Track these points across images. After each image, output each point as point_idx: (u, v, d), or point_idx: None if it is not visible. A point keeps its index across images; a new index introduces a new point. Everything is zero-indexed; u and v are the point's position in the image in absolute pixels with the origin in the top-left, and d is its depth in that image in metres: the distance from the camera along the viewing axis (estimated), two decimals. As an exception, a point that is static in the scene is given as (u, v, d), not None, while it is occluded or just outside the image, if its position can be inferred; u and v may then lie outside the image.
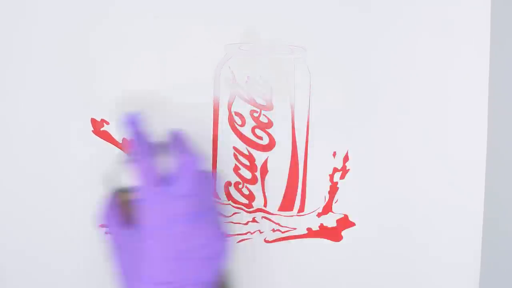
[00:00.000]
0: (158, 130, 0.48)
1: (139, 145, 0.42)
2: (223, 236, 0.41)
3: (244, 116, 0.51)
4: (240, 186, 0.52)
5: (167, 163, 0.42)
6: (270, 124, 0.51)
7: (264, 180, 0.52)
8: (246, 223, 0.52)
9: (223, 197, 0.52)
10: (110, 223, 0.43)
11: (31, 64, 0.49)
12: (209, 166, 0.50)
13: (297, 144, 0.52)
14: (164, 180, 0.40)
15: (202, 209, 0.40)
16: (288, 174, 0.52)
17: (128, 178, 0.42)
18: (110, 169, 0.44)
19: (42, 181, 0.50)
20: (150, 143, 0.43)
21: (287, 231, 0.53)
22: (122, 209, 0.43)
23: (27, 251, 0.50)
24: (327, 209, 0.53)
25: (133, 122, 0.44)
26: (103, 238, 0.47)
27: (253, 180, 0.52)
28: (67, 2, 0.48)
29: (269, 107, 0.51)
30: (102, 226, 0.47)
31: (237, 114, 0.51)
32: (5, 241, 0.50)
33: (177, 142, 0.44)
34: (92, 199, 0.49)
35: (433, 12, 0.52)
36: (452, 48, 0.52)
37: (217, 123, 0.51)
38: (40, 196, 0.50)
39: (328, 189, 0.52)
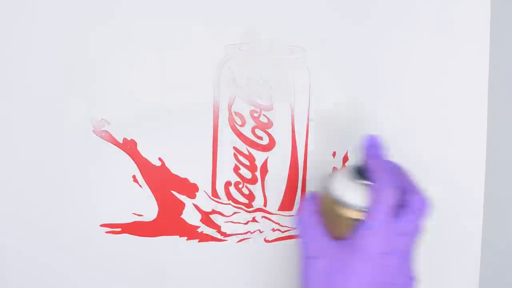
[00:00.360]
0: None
1: (384, 171, 0.40)
2: (413, 280, 0.41)
3: (244, 116, 0.51)
4: (240, 186, 0.52)
5: (400, 194, 0.40)
6: (270, 124, 0.51)
7: (264, 180, 0.52)
8: (246, 223, 0.52)
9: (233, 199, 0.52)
10: (313, 230, 0.41)
11: (32, 64, 0.49)
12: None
13: (297, 144, 0.52)
14: (394, 211, 0.39)
15: (412, 249, 0.41)
16: (288, 174, 0.52)
17: (359, 196, 0.40)
18: (336, 178, 0.42)
19: (43, 181, 0.50)
20: (391, 168, 0.42)
21: (287, 231, 0.53)
22: (332, 221, 0.42)
23: (31, 252, 0.50)
24: None
25: (375, 144, 0.43)
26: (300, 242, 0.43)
27: (253, 180, 0.52)
28: (67, 3, 0.48)
29: (269, 108, 0.51)
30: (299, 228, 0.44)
31: (237, 114, 0.51)
32: (9, 241, 0.50)
33: (403, 176, 0.43)
34: (97, 198, 0.50)
35: (433, 13, 0.52)
36: (452, 48, 0.52)
37: (217, 123, 0.51)
38: (43, 196, 0.50)
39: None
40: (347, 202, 0.40)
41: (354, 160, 0.52)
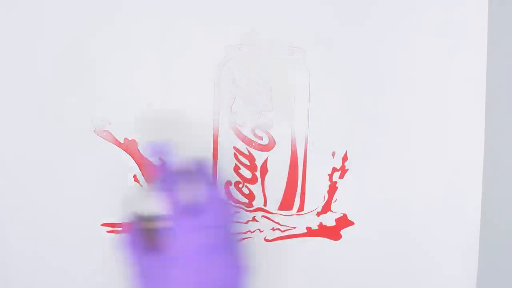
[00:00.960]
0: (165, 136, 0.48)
1: (166, 175, 0.42)
2: (242, 269, 0.41)
3: (244, 116, 0.51)
4: (240, 185, 0.52)
5: (193, 192, 0.41)
6: (270, 124, 0.52)
7: (264, 179, 0.52)
8: (246, 222, 0.52)
9: (228, 197, 0.52)
10: (132, 249, 0.42)
11: (34, 64, 0.49)
12: (211, 169, 0.50)
13: (297, 144, 0.52)
14: (191, 210, 0.40)
15: (226, 240, 0.41)
16: (288, 174, 0.52)
17: (152, 205, 0.41)
18: (131, 194, 0.43)
19: (44, 181, 0.50)
20: (177, 172, 0.43)
21: (286, 230, 0.53)
22: (145, 236, 0.42)
23: (32, 251, 0.51)
24: (327, 208, 0.53)
25: (160, 151, 0.44)
26: (125, 262, 0.44)
27: (253, 180, 0.52)
28: (69, 5, 0.49)
29: (269, 108, 0.51)
30: (123, 251, 0.45)
31: (237, 114, 0.51)
32: (10, 240, 0.50)
33: (202, 171, 0.44)
34: (98, 198, 0.50)
35: (432, 14, 0.52)
36: (451, 50, 0.53)
37: (218, 122, 0.51)
38: (44, 196, 0.50)
39: (327, 189, 0.53)
40: (147, 215, 0.41)
41: (353, 160, 0.53)
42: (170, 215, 0.39)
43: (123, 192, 0.50)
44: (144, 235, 0.41)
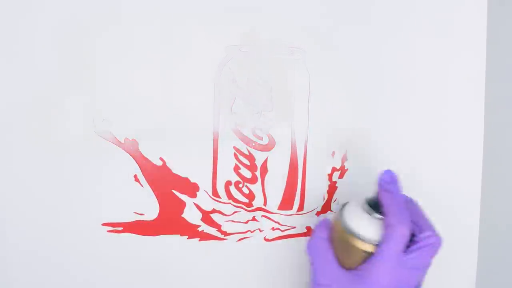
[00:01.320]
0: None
1: (397, 207, 0.41)
2: None
3: (244, 116, 0.51)
4: (241, 185, 0.52)
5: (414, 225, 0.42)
6: (270, 124, 0.52)
7: (264, 179, 0.52)
8: (246, 222, 0.52)
9: (225, 197, 0.52)
10: (323, 258, 0.42)
11: (35, 63, 0.49)
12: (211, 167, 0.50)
13: (297, 144, 0.52)
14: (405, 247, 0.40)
15: (419, 283, 0.42)
16: (288, 174, 0.52)
17: (368, 228, 0.41)
18: (345, 208, 0.43)
19: (45, 181, 0.50)
20: (405, 206, 0.42)
21: (286, 230, 0.53)
22: (343, 251, 0.42)
23: (34, 250, 0.51)
24: (326, 208, 0.53)
25: (390, 179, 0.43)
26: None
27: (253, 180, 0.52)
28: (70, 4, 0.49)
29: (269, 109, 0.52)
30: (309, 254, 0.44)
31: (237, 114, 0.51)
32: (12, 240, 0.50)
33: (415, 210, 0.44)
34: (99, 198, 0.50)
35: (432, 16, 0.52)
36: (450, 51, 0.53)
37: (218, 123, 0.51)
38: (45, 195, 0.50)
39: (327, 189, 0.53)
40: (360, 234, 0.41)
41: (353, 159, 0.53)
42: (390, 248, 0.40)
43: (124, 192, 0.51)
44: (344, 250, 0.42)
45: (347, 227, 0.42)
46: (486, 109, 0.53)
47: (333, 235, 0.43)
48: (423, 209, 0.44)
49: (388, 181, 0.43)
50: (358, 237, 0.41)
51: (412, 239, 0.41)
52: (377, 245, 0.41)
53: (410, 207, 0.43)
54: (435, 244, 0.41)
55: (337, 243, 0.43)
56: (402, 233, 0.40)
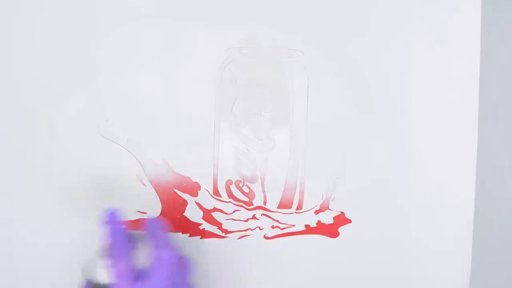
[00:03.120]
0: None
1: (115, 242, 0.43)
2: None
3: (245, 117, 0.52)
4: (241, 184, 0.53)
5: (144, 255, 0.43)
6: (270, 124, 0.52)
7: (264, 179, 0.53)
8: (246, 220, 0.53)
9: (225, 196, 0.53)
10: None
11: (39, 64, 0.50)
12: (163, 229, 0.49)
13: (296, 143, 0.53)
14: (140, 276, 0.41)
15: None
16: (287, 173, 0.53)
17: (105, 273, 0.42)
18: (88, 261, 0.43)
19: (47, 181, 0.50)
20: (127, 237, 0.43)
21: (286, 228, 0.53)
22: None
23: (36, 249, 0.51)
24: (325, 206, 0.53)
25: (110, 219, 0.44)
26: None
27: (253, 179, 0.53)
28: (74, 5, 0.49)
29: (268, 109, 0.52)
30: None
31: (237, 114, 0.52)
32: (15, 239, 0.51)
33: (153, 232, 0.44)
34: (101, 197, 0.50)
35: (428, 22, 0.53)
36: (445, 57, 0.53)
37: (219, 123, 0.52)
38: (47, 195, 0.51)
39: (326, 188, 0.53)
40: (99, 283, 0.42)
41: (351, 159, 0.53)
42: (119, 283, 0.40)
43: (126, 191, 0.51)
44: None
45: (92, 282, 0.43)
46: (480, 111, 0.54)
47: None
48: (163, 229, 0.45)
49: (106, 221, 0.44)
50: (99, 286, 0.42)
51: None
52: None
53: (148, 231, 0.45)
54: (164, 258, 0.42)
55: None
56: (118, 264, 0.41)
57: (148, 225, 0.45)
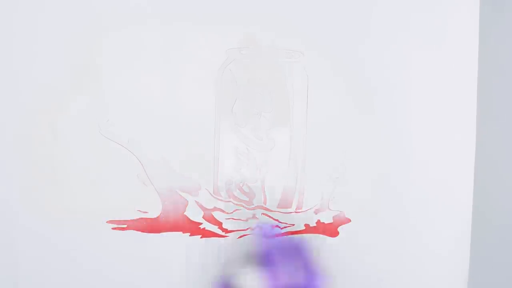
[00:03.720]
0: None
1: (270, 254, 0.43)
2: None
3: (245, 117, 0.52)
4: (241, 184, 0.53)
5: (292, 273, 0.43)
6: (269, 124, 0.53)
7: (264, 179, 0.53)
8: (247, 220, 0.53)
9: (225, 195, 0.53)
10: None
11: (41, 65, 0.50)
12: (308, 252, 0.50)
13: (295, 144, 0.53)
14: None
15: None
16: (287, 173, 0.53)
17: (253, 281, 0.43)
18: (233, 265, 0.45)
19: (49, 180, 0.51)
20: (280, 253, 0.44)
21: (286, 227, 0.53)
22: None
23: (38, 249, 0.51)
24: (324, 206, 0.54)
25: (266, 234, 0.45)
26: None
27: (253, 179, 0.53)
28: (76, 8, 0.50)
29: (268, 109, 0.53)
30: None
31: (237, 114, 0.52)
32: (18, 238, 0.51)
33: (301, 255, 0.45)
34: (103, 196, 0.51)
35: (427, 23, 0.53)
36: (444, 58, 0.54)
37: (219, 123, 0.52)
38: (49, 195, 0.51)
39: (325, 187, 0.54)
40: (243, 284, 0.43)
41: (351, 159, 0.53)
42: None
43: (128, 191, 0.51)
44: None
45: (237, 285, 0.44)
46: (477, 112, 0.54)
47: None
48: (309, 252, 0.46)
49: (266, 234, 0.47)
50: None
51: None
52: None
53: (295, 253, 0.46)
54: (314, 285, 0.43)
55: None
56: (272, 279, 0.42)
57: (294, 245, 0.46)
